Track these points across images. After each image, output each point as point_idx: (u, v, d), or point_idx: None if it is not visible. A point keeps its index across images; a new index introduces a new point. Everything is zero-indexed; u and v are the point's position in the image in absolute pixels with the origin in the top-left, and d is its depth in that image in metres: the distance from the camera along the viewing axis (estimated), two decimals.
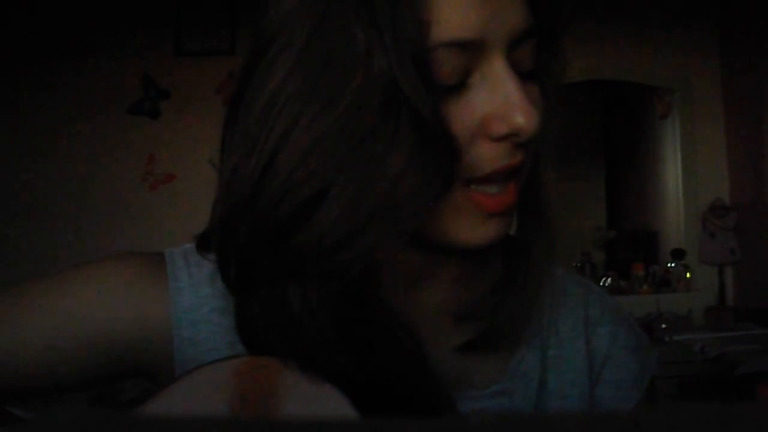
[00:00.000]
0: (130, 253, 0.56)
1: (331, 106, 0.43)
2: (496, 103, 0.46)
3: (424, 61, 0.43)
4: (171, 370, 0.53)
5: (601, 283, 3.58)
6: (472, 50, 0.46)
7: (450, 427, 0.19)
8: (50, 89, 3.40)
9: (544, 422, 0.18)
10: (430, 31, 0.44)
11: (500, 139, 0.47)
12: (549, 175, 0.54)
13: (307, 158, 0.43)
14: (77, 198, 3.39)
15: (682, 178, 3.69)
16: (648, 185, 4.33)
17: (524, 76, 0.48)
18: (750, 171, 3.44)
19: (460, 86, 0.46)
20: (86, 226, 3.34)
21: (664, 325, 3.09)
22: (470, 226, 0.49)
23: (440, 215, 0.48)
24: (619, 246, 4.33)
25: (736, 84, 3.54)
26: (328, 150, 0.43)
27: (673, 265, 3.65)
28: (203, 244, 0.54)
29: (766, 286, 3.28)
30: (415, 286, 0.55)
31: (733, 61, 3.56)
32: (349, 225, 0.43)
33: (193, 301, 0.53)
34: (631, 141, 4.58)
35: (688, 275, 3.60)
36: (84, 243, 3.26)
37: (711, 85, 3.66)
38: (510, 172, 0.48)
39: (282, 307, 0.47)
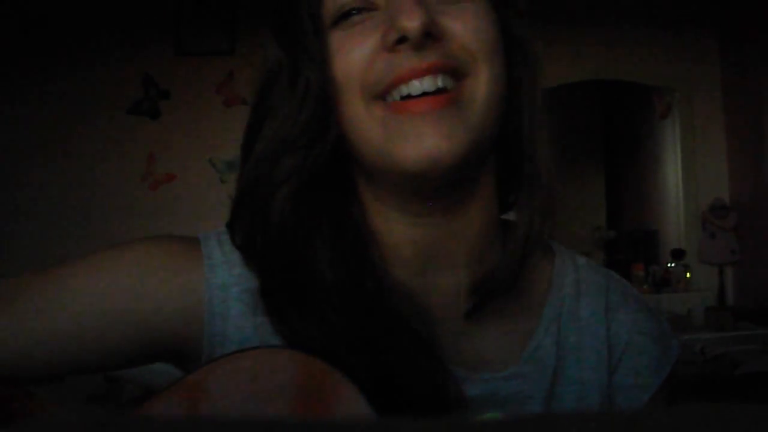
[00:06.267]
0: (162, 236, 0.57)
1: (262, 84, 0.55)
2: (390, 15, 0.50)
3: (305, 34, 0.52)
4: (199, 347, 0.54)
5: None
6: None
7: (449, 428, 0.19)
8: (51, 89, 3.40)
9: (543, 422, 0.18)
10: None
11: (394, 47, 0.50)
12: (544, 148, 0.54)
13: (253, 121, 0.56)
14: (77, 198, 3.39)
15: (682, 178, 3.69)
16: (648, 185, 4.33)
17: None
18: (750, 171, 3.44)
19: (370, 10, 0.52)
20: (87, 225, 3.34)
21: None
22: (403, 137, 0.50)
23: (376, 138, 0.51)
24: (619, 246, 4.33)
25: (736, 84, 3.54)
26: (259, 105, 0.55)
27: (673, 265, 3.65)
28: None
29: (766, 286, 3.28)
30: (428, 269, 0.56)
31: (733, 62, 3.56)
32: (271, 153, 0.53)
33: (226, 278, 0.54)
34: (631, 141, 4.58)
35: (688, 275, 3.61)
36: (84, 243, 3.26)
37: (711, 85, 3.66)
38: (421, 73, 0.49)
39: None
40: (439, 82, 0.50)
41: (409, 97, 0.50)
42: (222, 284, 0.54)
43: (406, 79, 0.49)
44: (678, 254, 3.65)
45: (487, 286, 0.54)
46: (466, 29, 0.50)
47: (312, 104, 0.52)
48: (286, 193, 0.52)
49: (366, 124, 0.51)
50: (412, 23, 0.48)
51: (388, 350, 0.50)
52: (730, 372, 2.54)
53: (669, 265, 3.67)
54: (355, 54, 0.51)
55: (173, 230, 0.59)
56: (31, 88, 3.41)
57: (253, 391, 0.42)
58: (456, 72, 0.50)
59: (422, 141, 0.49)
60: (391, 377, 0.48)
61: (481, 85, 0.51)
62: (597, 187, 5.04)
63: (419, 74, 0.49)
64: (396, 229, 0.55)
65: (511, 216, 0.62)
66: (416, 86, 0.49)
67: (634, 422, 0.17)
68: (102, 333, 0.52)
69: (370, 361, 0.48)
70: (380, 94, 0.50)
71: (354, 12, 0.52)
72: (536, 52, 0.56)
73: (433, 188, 0.53)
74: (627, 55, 3.65)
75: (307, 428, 0.19)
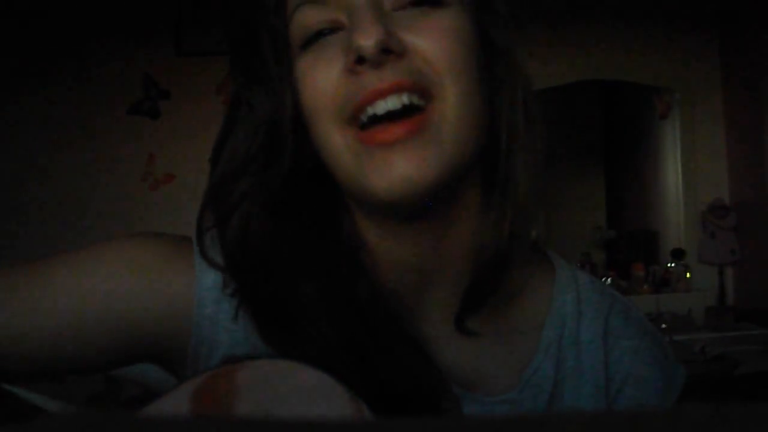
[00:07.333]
0: (152, 233, 0.56)
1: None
2: (348, 35, 0.48)
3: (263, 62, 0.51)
4: (186, 350, 0.53)
5: None
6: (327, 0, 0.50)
7: (446, 427, 0.19)
8: (51, 89, 3.40)
9: (543, 422, 0.18)
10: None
11: (355, 68, 0.48)
12: (529, 157, 0.52)
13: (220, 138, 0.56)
14: (77, 198, 3.39)
15: (682, 178, 3.69)
16: (648, 185, 4.33)
17: (413, 4, 0.49)
18: (750, 171, 3.44)
19: (338, 30, 0.50)
20: (86, 226, 3.33)
21: (664, 325, 3.09)
22: (374, 168, 0.48)
23: (348, 165, 0.50)
24: (619, 246, 4.33)
25: (736, 84, 3.54)
26: (226, 123, 0.56)
27: (673, 265, 3.64)
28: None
29: (766, 286, 3.28)
30: (420, 284, 0.55)
31: (733, 61, 3.56)
32: (228, 174, 0.53)
33: (218, 279, 0.53)
34: (631, 141, 4.58)
35: (688, 275, 3.60)
36: (84, 243, 3.25)
37: (711, 85, 3.65)
38: (384, 93, 0.47)
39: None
40: (405, 99, 0.47)
41: (375, 117, 0.48)
42: (213, 285, 0.53)
43: (370, 100, 0.48)
44: (678, 254, 3.64)
45: (471, 294, 0.53)
46: (432, 46, 0.48)
47: (263, 133, 0.52)
48: (243, 213, 0.51)
49: (337, 150, 0.50)
50: (366, 41, 0.46)
51: (382, 361, 0.49)
52: (730, 372, 2.53)
53: (669, 265, 3.67)
54: (320, 80, 0.49)
55: (173, 230, 0.58)
56: (31, 88, 3.41)
57: (257, 401, 0.41)
58: (423, 92, 0.48)
59: (392, 171, 0.47)
60: (386, 389, 0.47)
61: (450, 107, 0.48)
62: (597, 187, 5.04)
63: (383, 94, 0.47)
64: (385, 244, 0.54)
65: None
66: (381, 106, 0.47)
67: (634, 422, 0.17)
68: (80, 332, 0.51)
69: (364, 372, 0.47)
70: (350, 118, 0.49)
71: (327, 32, 0.50)
72: (518, 60, 0.53)
73: (410, 213, 0.51)
74: (627, 55, 3.64)
75: (308, 428, 0.19)
